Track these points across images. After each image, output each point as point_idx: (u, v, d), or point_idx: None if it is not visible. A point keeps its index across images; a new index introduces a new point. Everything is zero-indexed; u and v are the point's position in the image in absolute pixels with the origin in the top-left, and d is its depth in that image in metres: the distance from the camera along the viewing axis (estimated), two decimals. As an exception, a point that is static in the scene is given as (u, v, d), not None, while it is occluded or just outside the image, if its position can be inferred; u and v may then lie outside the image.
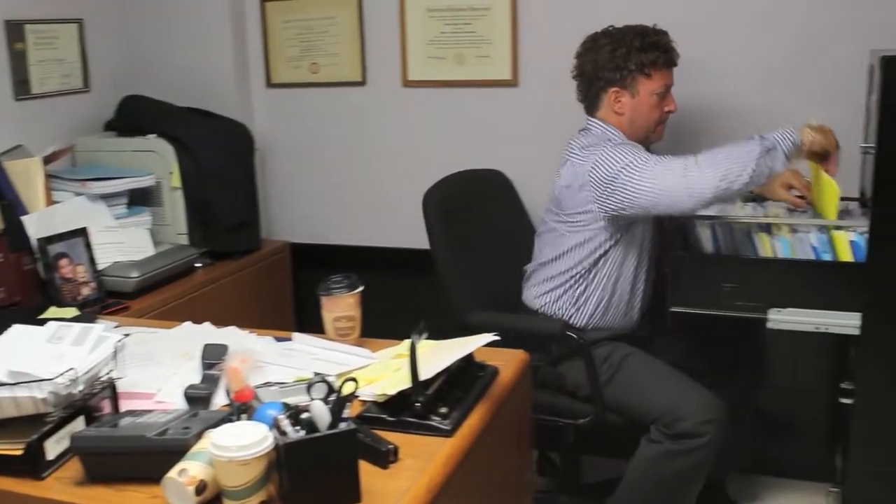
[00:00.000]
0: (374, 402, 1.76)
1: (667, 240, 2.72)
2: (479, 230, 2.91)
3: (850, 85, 2.79)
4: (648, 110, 2.64)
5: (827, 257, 2.43)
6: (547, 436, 2.71)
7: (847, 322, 2.31)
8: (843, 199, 2.56)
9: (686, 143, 3.05)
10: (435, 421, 1.68)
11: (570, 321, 2.67)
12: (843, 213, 2.58)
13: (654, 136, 2.71)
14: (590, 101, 2.70)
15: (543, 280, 2.73)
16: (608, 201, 2.52)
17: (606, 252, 2.63)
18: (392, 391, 1.74)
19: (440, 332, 1.96)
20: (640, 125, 2.65)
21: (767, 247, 2.49)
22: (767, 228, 2.52)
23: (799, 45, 2.90)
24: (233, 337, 2.15)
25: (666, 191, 2.42)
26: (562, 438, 2.70)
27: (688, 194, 2.40)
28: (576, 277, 2.67)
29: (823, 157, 2.45)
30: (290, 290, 3.58)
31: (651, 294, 2.79)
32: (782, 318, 2.38)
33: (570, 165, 2.62)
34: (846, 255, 2.41)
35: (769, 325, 2.38)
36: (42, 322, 1.85)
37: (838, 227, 2.44)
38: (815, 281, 2.39)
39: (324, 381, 1.55)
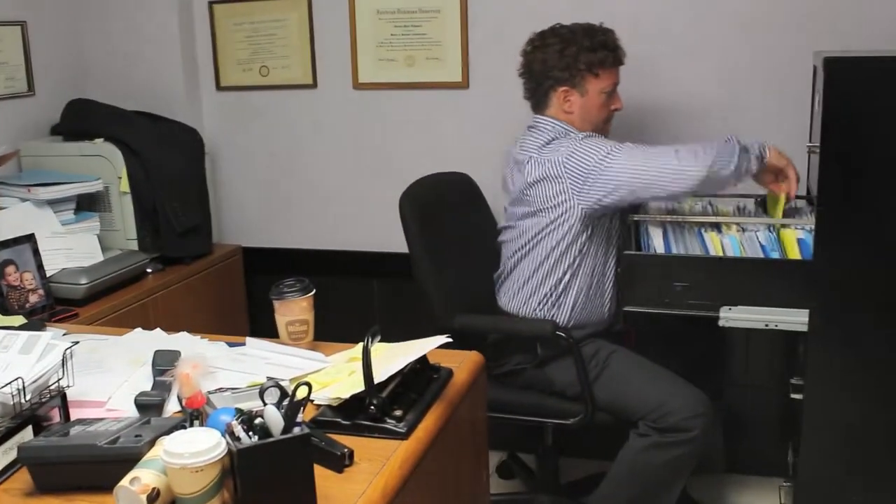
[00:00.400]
0: (329, 406, 1.76)
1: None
2: (449, 233, 2.90)
3: (797, 84, 2.84)
4: (597, 109, 2.67)
5: (775, 255, 2.47)
6: (525, 437, 2.72)
7: (796, 319, 2.35)
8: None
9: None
10: (390, 424, 1.68)
11: (554, 320, 2.67)
12: (791, 211, 2.63)
13: (602, 134, 2.71)
14: (538, 99, 2.71)
15: (521, 283, 2.73)
16: (590, 192, 2.53)
17: (581, 245, 2.64)
18: (346, 395, 1.73)
19: (395, 334, 1.96)
20: (588, 123, 2.67)
21: (717, 245, 2.52)
22: (717, 227, 2.56)
23: (746, 45, 2.94)
24: (184, 342, 2.13)
25: (657, 172, 2.46)
26: (541, 439, 2.72)
27: (680, 176, 2.45)
28: (554, 274, 2.67)
29: (779, 178, 2.55)
30: (243, 294, 3.56)
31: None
32: (733, 316, 2.41)
33: (535, 163, 2.61)
34: (794, 253, 2.45)
35: (720, 322, 2.41)
36: (-12, 331, 1.82)
37: (785, 226, 2.48)
38: (765, 279, 2.42)
39: (277, 385, 1.54)
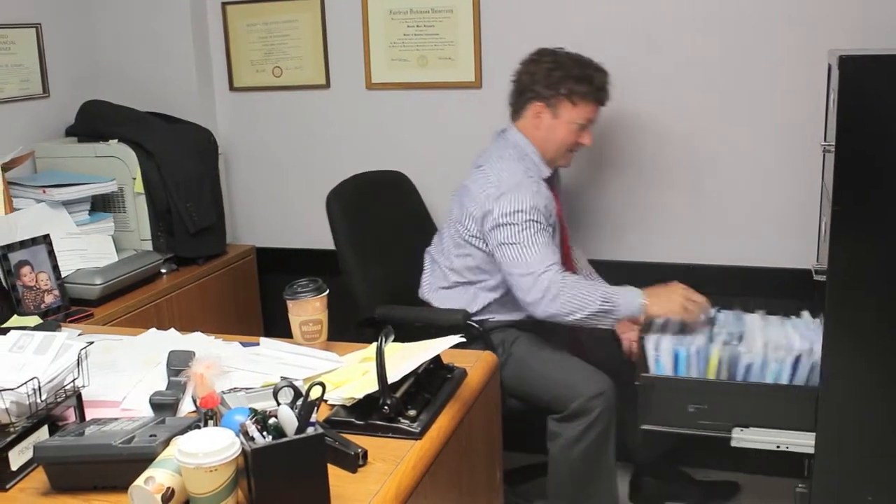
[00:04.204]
0: (342, 406, 1.76)
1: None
2: (375, 229, 3.00)
3: (811, 83, 2.82)
4: (563, 135, 2.74)
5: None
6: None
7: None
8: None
9: (651, 145, 3.08)
10: (404, 424, 1.68)
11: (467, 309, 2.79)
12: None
13: (562, 162, 2.83)
14: (516, 107, 2.81)
15: (441, 276, 2.86)
16: (486, 228, 2.69)
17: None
18: (360, 395, 1.73)
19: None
20: (551, 145, 2.76)
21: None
22: None
23: (760, 44, 2.93)
24: (198, 343, 2.14)
25: (515, 273, 2.61)
26: None
27: (525, 297, 2.60)
28: (470, 279, 2.80)
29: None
30: (257, 294, 3.57)
31: None
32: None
33: (482, 175, 2.73)
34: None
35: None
36: (4, 331, 1.82)
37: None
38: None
39: (291, 385, 1.54)
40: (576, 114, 2.71)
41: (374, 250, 2.92)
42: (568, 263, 2.87)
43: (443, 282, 2.87)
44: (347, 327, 2.48)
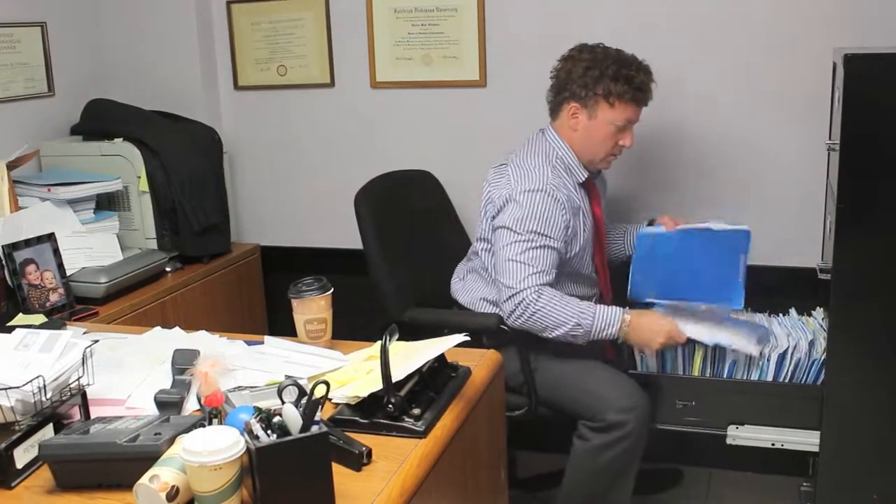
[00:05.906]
0: (347, 405, 1.76)
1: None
2: (405, 229, 2.96)
3: (816, 82, 2.82)
4: (602, 137, 2.62)
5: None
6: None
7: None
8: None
9: (653, 145, 3.07)
10: (408, 422, 1.68)
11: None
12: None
13: (601, 165, 2.72)
14: (553, 106, 2.71)
15: (477, 276, 2.78)
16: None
17: None
18: (364, 393, 1.74)
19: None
20: (589, 148, 2.65)
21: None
22: None
23: (765, 43, 2.92)
24: (203, 341, 2.14)
25: (498, 280, 2.54)
26: None
27: (501, 306, 2.53)
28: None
29: None
30: (261, 293, 3.57)
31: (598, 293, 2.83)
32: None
33: (504, 175, 2.65)
34: None
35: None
36: (10, 329, 1.83)
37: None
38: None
39: (295, 384, 1.55)
40: (613, 115, 2.58)
41: (401, 251, 2.86)
42: (602, 274, 2.80)
43: (478, 281, 2.78)
44: (366, 326, 2.47)
